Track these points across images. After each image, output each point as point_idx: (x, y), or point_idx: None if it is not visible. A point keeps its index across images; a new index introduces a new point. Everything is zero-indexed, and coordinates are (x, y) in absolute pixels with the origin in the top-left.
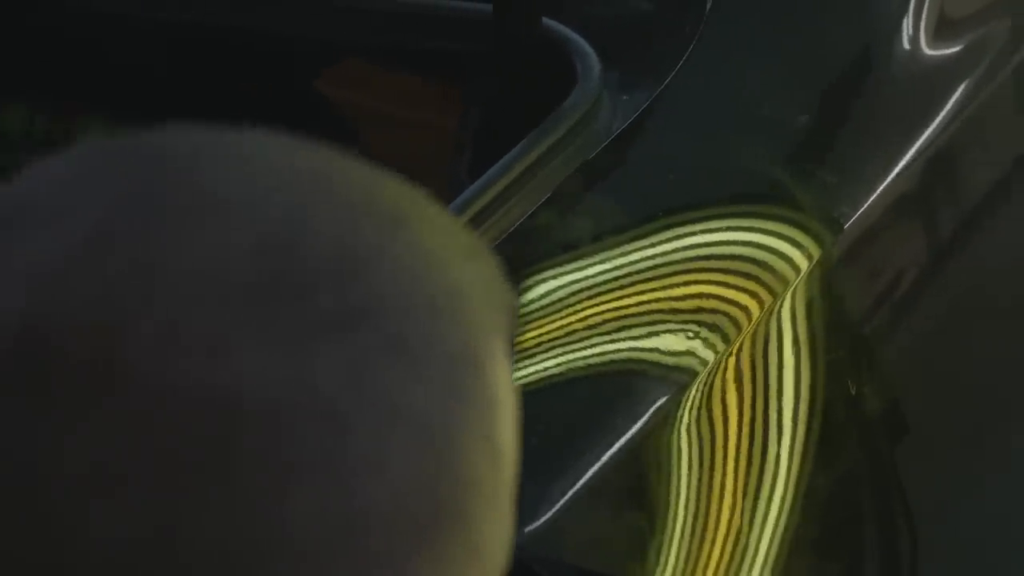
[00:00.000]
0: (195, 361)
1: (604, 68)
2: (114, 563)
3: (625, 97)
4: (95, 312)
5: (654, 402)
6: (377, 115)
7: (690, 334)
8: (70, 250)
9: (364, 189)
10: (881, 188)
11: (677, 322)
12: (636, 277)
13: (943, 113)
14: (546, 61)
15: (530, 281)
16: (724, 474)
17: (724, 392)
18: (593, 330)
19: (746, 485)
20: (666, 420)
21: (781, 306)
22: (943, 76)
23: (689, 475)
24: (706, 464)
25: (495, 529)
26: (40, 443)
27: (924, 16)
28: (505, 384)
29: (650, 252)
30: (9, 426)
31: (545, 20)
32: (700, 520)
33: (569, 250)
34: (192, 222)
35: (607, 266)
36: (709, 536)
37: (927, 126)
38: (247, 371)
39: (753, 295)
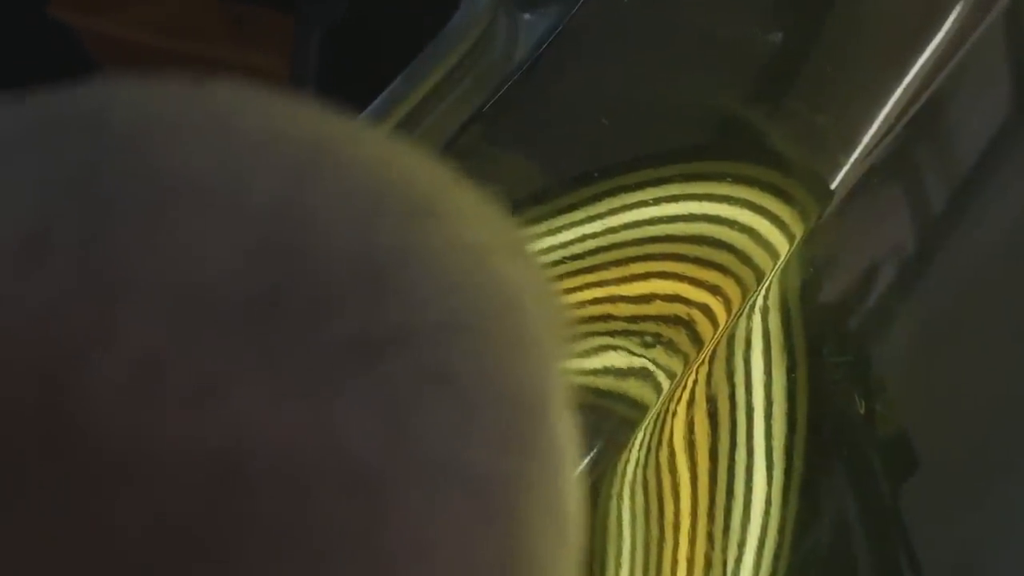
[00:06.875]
0: (176, 410)
1: None
2: None
3: (528, 16)
4: (34, 349)
5: (595, 446)
6: (135, 49)
7: (639, 350)
8: None
9: (379, 164)
10: (873, 132)
11: (622, 334)
12: (566, 268)
13: (939, 36)
14: None
15: None
16: (677, 541)
17: (683, 427)
18: None
19: (708, 552)
20: (608, 470)
21: (754, 305)
22: None
23: (634, 542)
24: (654, 528)
25: None
26: None
27: None
28: (568, 429)
29: (585, 231)
30: None
31: None
32: None
33: None
34: (159, 219)
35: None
36: None
37: (922, 51)
38: (248, 422)
39: (719, 292)
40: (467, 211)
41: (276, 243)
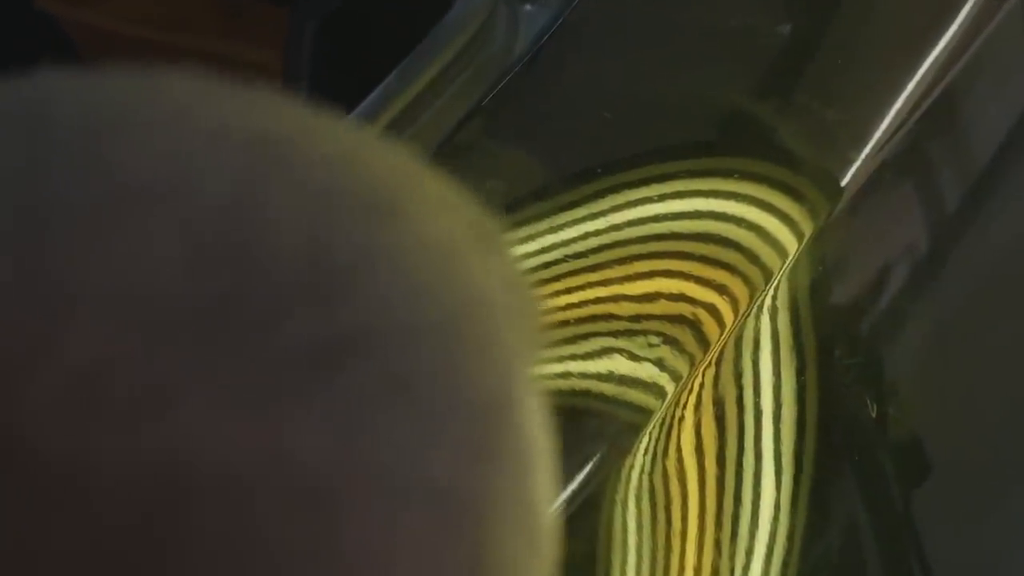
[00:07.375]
0: (120, 424)
1: None
2: None
3: (529, 8)
4: None
5: (597, 452)
6: (126, 42)
7: (643, 351)
8: None
9: (340, 160)
10: (885, 127)
11: (625, 334)
12: (568, 266)
13: (953, 28)
14: None
15: None
16: (684, 549)
17: (690, 432)
18: None
19: (715, 560)
20: (612, 476)
21: (763, 305)
22: None
23: (640, 550)
24: (660, 536)
25: None
26: None
27: None
28: (540, 436)
29: (587, 228)
30: None
31: None
32: None
33: None
34: (104, 219)
35: (528, 249)
36: None
37: (936, 44)
38: (195, 435)
39: (725, 291)
40: (435, 207)
41: (228, 244)
